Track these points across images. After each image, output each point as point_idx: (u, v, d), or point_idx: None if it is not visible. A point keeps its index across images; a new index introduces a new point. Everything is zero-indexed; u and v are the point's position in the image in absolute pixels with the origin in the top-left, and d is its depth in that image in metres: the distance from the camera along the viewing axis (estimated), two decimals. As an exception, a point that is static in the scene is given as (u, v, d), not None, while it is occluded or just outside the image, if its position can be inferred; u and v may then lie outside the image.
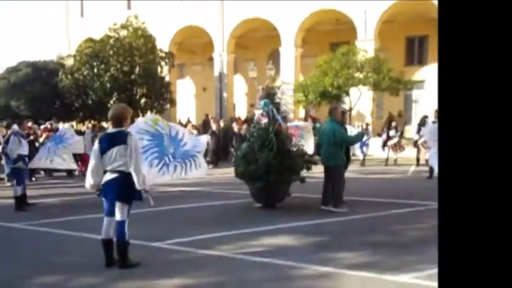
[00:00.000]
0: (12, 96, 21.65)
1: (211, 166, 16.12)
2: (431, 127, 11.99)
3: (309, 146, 10.35)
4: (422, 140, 13.71)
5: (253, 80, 22.02)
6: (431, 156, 11.57)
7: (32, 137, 12.74)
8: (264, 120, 8.41)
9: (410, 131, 19.08)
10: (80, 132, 14.86)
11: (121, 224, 4.79)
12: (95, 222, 5.88)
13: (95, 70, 20.51)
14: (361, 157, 16.02)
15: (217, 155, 16.62)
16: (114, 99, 19.84)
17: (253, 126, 8.69)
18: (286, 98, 21.04)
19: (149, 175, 6.02)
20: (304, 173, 8.35)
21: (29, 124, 13.52)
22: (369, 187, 10.73)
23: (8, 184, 10.89)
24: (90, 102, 20.94)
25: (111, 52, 20.58)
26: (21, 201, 8.49)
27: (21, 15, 62.08)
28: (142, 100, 21.13)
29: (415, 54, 23.97)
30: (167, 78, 22.93)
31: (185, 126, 19.77)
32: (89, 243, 5.72)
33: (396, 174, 13.36)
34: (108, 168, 4.78)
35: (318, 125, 16.68)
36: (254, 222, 6.99)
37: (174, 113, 26.04)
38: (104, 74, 20.34)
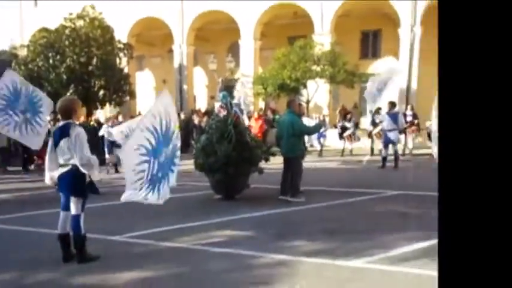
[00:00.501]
0: (-38, 87, 20.61)
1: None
2: (384, 115, 12.68)
3: None
4: (376, 130, 14.23)
5: (213, 72, 21.99)
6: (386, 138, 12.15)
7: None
8: (223, 113, 8.51)
9: (365, 122, 19.67)
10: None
11: (76, 218, 4.76)
12: (52, 217, 5.79)
13: (50, 61, 19.88)
14: (318, 148, 16.39)
15: (178, 148, 16.54)
16: (71, 91, 19.33)
17: (212, 119, 8.76)
18: (246, 90, 21.15)
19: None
20: (262, 164, 8.51)
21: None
22: (325, 177, 11.02)
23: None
24: (45, 94, 20.22)
25: (67, 43, 19.99)
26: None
27: (-32, 3, 58.92)
28: (101, 92, 20.69)
29: (369, 48, 24.64)
30: (126, 70, 22.53)
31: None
32: (46, 239, 5.62)
33: (351, 164, 13.77)
34: (61, 161, 4.77)
35: (277, 116, 16.95)
36: (214, 213, 7.09)
37: (133, 106, 25.64)
38: (59, 65, 19.76)
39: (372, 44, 24.58)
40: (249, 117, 15.74)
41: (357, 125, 17.59)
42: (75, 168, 4.70)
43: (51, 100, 8.43)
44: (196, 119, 16.93)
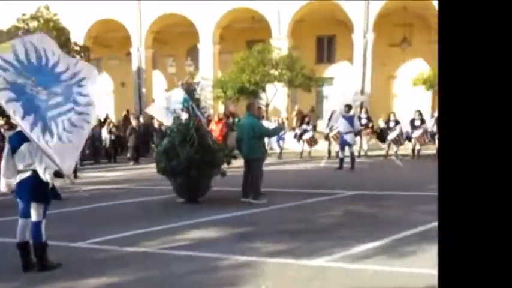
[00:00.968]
0: None
1: (132, 163, 15.91)
2: (337, 116, 13.25)
3: None
4: (333, 133, 14.62)
5: (173, 75, 21.81)
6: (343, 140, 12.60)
7: None
8: (185, 116, 8.53)
9: (322, 125, 20.12)
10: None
11: (37, 224, 4.67)
12: (9, 225, 5.65)
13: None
14: (278, 150, 16.63)
15: (138, 151, 16.39)
16: None
17: (174, 122, 8.75)
18: (206, 93, 21.14)
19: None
20: (224, 167, 8.60)
21: None
22: (285, 179, 11.20)
23: None
24: None
25: (20, 44, 19.26)
26: None
27: None
28: (57, 95, 20.06)
29: (324, 53, 25.20)
30: (83, 73, 21.93)
31: (104, 121, 19.19)
32: (4, 247, 5.46)
33: (310, 166, 14.06)
34: (21, 167, 4.65)
35: (236, 120, 17.07)
36: (177, 216, 7.09)
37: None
38: (11, 68, 19.00)
39: (327, 49, 25.15)
40: (209, 121, 15.80)
41: (314, 128, 17.97)
42: (36, 173, 4.61)
43: None
44: (156, 123, 16.78)
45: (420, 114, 15.43)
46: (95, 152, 16.64)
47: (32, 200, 4.67)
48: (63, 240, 5.65)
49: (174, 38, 25.49)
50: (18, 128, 4.78)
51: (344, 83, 23.00)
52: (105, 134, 17.32)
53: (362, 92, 21.08)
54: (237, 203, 8.07)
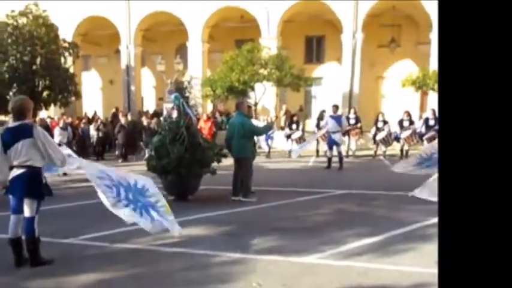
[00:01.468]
0: None
1: (120, 160, 15.86)
2: (328, 119, 13.29)
3: None
4: (321, 132, 14.73)
5: (162, 73, 21.77)
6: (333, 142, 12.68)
7: None
8: (175, 114, 8.54)
9: (310, 124, 20.25)
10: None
11: (30, 220, 4.67)
12: (0, 221, 5.64)
13: (-9, 59, 18.89)
14: (266, 149, 16.69)
15: (126, 149, 16.37)
16: (13, 91, 18.45)
17: (165, 120, 8.75)
18: (195, 92, 21.14)
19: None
20: (215, 165, 8.63)
21: None
22: (274, 177, 11.28)
23: None
24: None
25: (9, 40, 19.05)
26: None
27: None
28: (45, 92, 19.89)
29: (313, 53, 25.36)
30: (71, 70, 21.78)
31: (92, 119, 19.08)
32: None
33: (299, 165, 14.16)
34: (15, 163, 4.63)
35: (225, 118, 17.12)
36: (167, 214, 7.12)
37: (79, 106, 24.85)
38: (1, 64, 18.80)
39: (316, 49, 25.30)
40: (198, 119, 15.81)
41: (303, 128, 18.07)
42: (31, 170, 4.62)
43: None
44: (145, 121, 16.75)
45: (409, 115, 15.61)
46: (83, 149, 16.54)
47: (26, 196, 4.65)
48: (55, 236, 5.67)
49: (163, 36, 25.44)
50: (10, 124, 4.80)
51: (333, 83, 23.18)
52: (92, 131, 17.23)
53: (351, 92, 21.27)
54: (227, 201, 8.12)
